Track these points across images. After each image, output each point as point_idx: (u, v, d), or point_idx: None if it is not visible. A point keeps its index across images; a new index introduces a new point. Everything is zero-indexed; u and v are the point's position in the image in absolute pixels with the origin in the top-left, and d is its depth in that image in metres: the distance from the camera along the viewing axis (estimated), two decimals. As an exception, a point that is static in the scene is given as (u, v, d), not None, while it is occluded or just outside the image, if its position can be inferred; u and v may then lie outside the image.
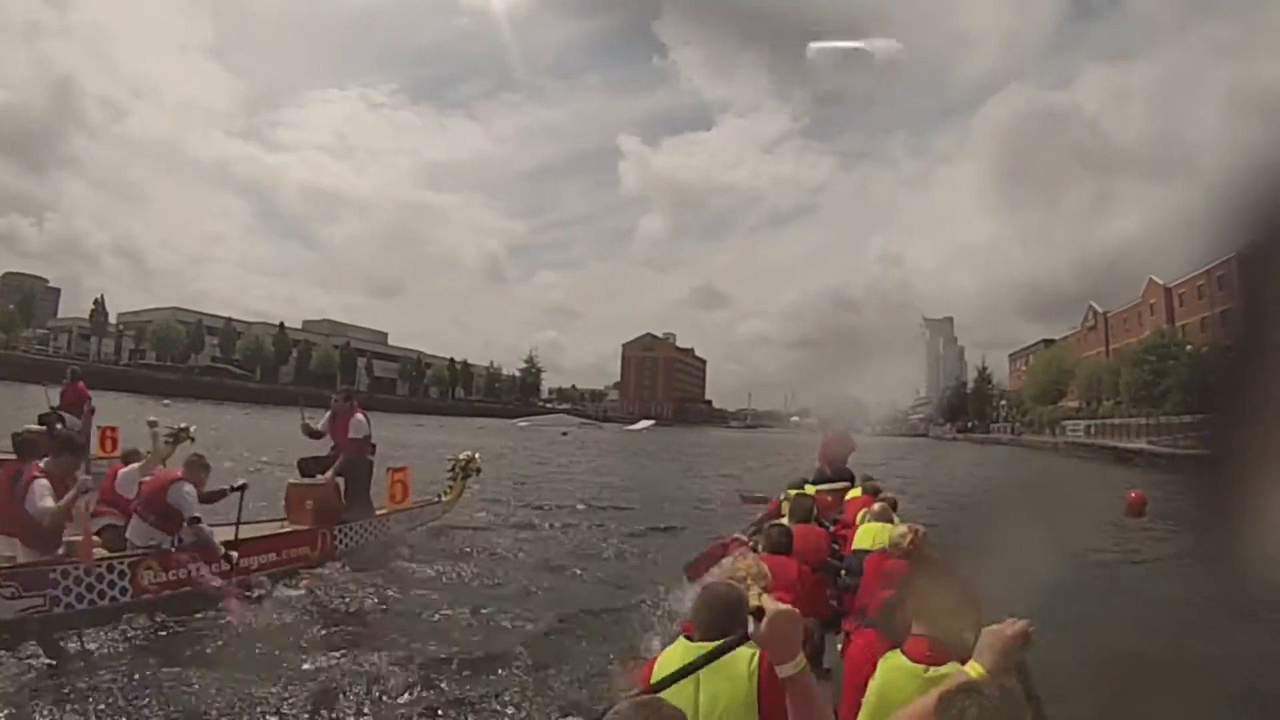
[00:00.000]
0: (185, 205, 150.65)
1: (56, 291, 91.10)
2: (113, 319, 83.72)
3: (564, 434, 50.50)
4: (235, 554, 6.11)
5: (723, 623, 2.42)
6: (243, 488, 6.53)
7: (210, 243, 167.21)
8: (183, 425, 7.35)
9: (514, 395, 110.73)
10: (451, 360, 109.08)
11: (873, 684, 2.31)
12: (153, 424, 8.31)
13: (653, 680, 2.31)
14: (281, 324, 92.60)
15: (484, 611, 6.18)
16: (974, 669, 2.01)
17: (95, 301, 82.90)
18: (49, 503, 4.98)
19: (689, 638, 2.50)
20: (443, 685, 4.56)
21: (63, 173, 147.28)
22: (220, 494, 6.49)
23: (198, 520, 5.91)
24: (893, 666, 2.30)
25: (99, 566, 5.27)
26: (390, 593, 6.53)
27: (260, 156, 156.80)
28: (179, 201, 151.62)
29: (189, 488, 5.92)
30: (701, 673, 2.23)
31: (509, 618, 6.05)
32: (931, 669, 2.20)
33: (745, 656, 2.28)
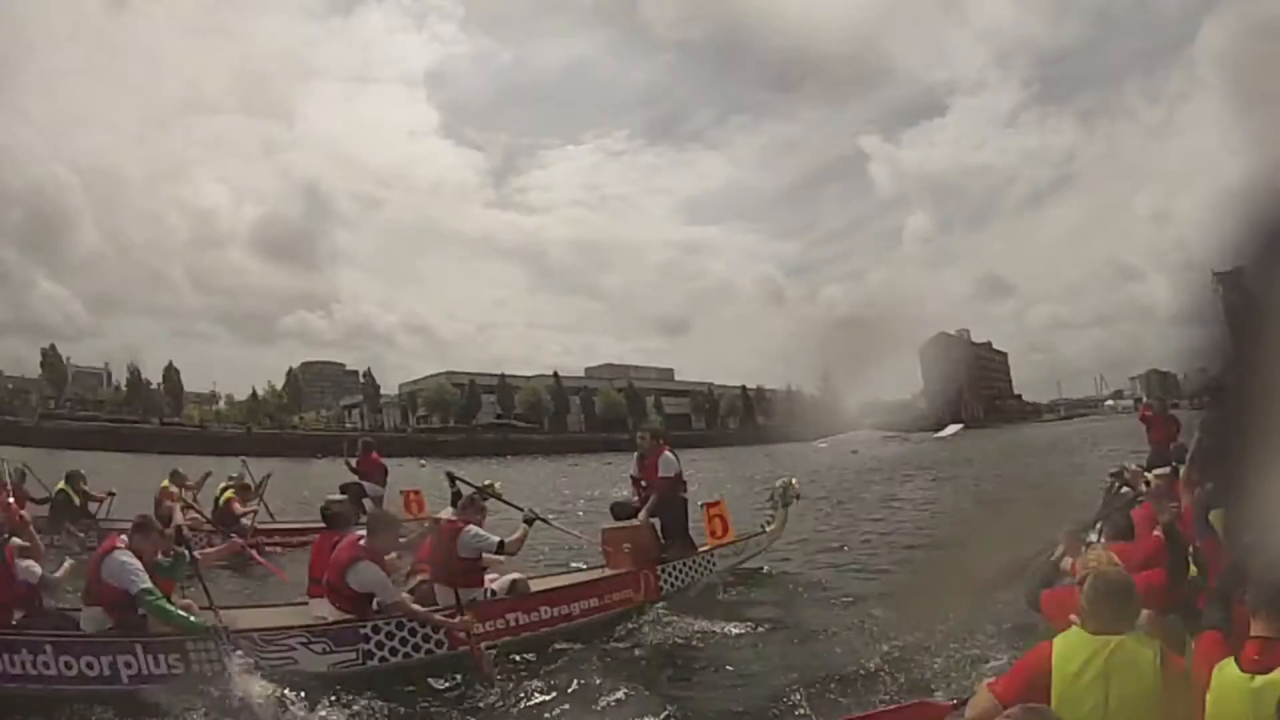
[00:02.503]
0: (462, 278, 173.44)
1: (354, 374, 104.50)
2: (394, 391, 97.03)
3: (853, 452, 47.57)
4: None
5: (1122, 612, 2.43)
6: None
7: (495, 308, 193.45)
8: (486, 482, 7.59)
9: (812, 415, 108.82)
10: (743, 388, 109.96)
11: (1208, 697, 2.22)
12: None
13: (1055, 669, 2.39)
14: (555, 373, 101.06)
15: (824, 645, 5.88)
16: None
17: (364, 375, 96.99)
18: (395, 596, 5.41)
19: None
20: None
21: (335, 266, 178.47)
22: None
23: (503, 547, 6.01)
24: (1222, 678, 2.22)
25: (411, 622, 5.44)
26: (728, 632, 6.35)
27: (520, 221, 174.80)
28: (455, 275, 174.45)
29: (475, 531, 6.02)
30: (1111, 670, 2.32)
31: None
32: (1259, 678, 2.12)
33: (1148, 656, 2.32)
